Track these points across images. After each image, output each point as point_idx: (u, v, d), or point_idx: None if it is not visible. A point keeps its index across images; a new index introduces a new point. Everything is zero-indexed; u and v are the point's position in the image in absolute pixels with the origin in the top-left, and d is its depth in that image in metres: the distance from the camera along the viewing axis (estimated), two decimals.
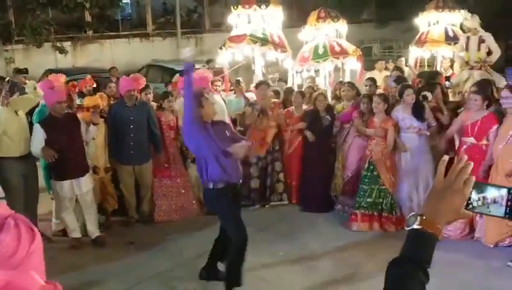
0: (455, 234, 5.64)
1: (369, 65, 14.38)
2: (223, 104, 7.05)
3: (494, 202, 1.21)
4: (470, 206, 1.23)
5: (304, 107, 7.17)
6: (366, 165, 6.18)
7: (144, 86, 6.73)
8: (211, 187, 4.38)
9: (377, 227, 6.07)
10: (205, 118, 4.37)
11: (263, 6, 7.78)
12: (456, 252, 5.10)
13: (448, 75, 9.28)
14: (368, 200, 6.10)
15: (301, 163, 7.05)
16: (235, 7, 8.05)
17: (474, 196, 1.22)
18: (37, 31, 14.36)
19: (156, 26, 18.98)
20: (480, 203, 1.22)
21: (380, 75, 10.06)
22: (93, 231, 5.85)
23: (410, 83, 7.49)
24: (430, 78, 7.99)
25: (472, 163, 1.26)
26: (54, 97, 5.45)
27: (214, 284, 4.72)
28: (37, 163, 6.06)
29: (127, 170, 6.34)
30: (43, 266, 0.94)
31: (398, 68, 9.69)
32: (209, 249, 4.80)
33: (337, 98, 7.57)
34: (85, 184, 5.65)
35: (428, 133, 6.10)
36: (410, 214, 1.25)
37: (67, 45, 15.53)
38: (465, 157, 1.27)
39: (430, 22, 10.20)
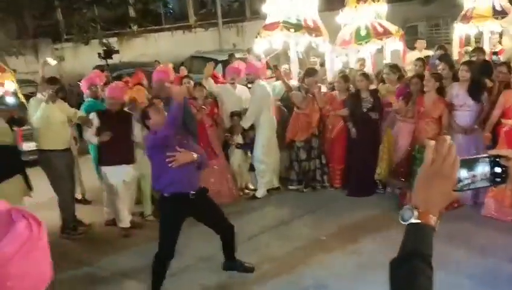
0: None
1: (414, 44, 14.00)
2: (239, 96, 7.10)
3: (483, 178, 1.18)
4: (459, 185, 1.19)
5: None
6: (416, 147, 6.10)
7: (169, 75, 6.81)
8: (163, 195, 4.38)
9: None
10: (155, 127, 4.35)
11: None
12: None
13: (496, 50, 8.91)
14: None
15: (345, 147, 7.02)
16: None
17: (465, 174, 1.18)
18: (84, 29, 14.87)
19: (198, 17, 19.17)
20: (469, 181, 1.19)
21: (421, 54, 9.76)
22: (127, 217, 6.17)
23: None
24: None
25: (454, 144, 1.20)
26: (111, 93, 6.01)
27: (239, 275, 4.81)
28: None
29: None
30: (49, 252, 1.01)
31: (442, 47, 9.37)
32: (242, 234, 4.89)
33: (381, 80, 7.43)
34: (128, 174, 6.03)
35: (476, 127, 5.95)
36: (404, 207, 1.20)
37: (113, 41, 15.94)
38: (448, 138, 1.23)
39: None
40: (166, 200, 4.36)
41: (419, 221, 1.17)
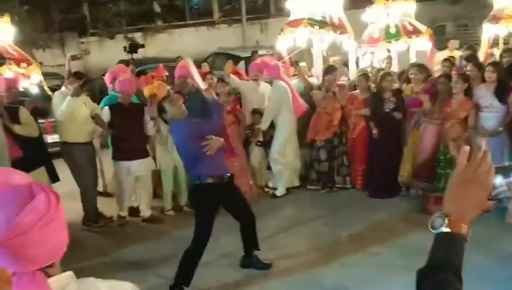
0: None
1: (442, 45, 13.75)
2: (263, 93, 7.07)
3: None
4: (494, 193, 1.14)
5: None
6: (441, 148, 5.99)
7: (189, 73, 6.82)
8: (200, 183, 4.44)
9: None
10: (178, 116, 4.46)
11: None
12: None
13: None
14: (444, 184, 5.91)
15: (367, 147, 6.94)
16: None
17: (500, 181, 1.13)
18: (109, 24, 15.04)
19: (222, 13, 19.18)
20: (504, 188, 1.13)
21: (453, 54, 9.56)
22: (146, 211, 6.41)
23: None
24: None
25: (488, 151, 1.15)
26: (121, 87, 6.07)
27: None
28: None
29: None
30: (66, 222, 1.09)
31: (470, 47, 9.16)
32: (261, 232, 4.88)
33: (407, 80, 7.29)
34: (141, 168, 6.15)
35: (501, 129, 5.81)
36: (435, 215, 1.15)
37: (138, 35, 16.09)
38: (484, 144, 1.18)
39: None
40: (204, 188, 4.42)
41: (450, 230, 1.12)
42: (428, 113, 6.22)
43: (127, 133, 5.96)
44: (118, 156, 6.18)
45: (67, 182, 6.18)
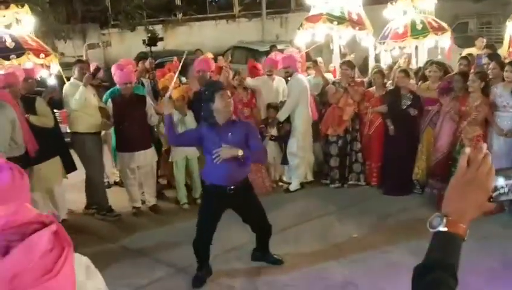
0: None
1: (464, 42, 13.53)
2: (276, 88, 7.07)
3: None
4: (495, 194, 1.14)
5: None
6: (457, 148, 5.94)
7: (210, 67, 6.85)
8: (205, 183, 4.52)
9: None
10: (215, 113, 4.31)
11: None
12: None
13: None
14: None
15: (383, 144, 6.90)
16: None
17: (502, 183, 1.14)
18: (130, 16, 15.17)
19: (242, 7, 19.17)
20: (506, 189, 1.14)
21: (481, 52, 9.40)
22: (150, 200, 6.54)
23: None
24: None
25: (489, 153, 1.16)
26: (121, 79, 6.06)
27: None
28: None
29: (201, 148, 6.58)
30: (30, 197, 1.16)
31: (489, 46, 9.01)
32: (273, 226, 4.87)
33: (422, 78, 7.22)
34: (144, 158, 6.24)
35: None
36: (434, 215, 1.18)
37: (158, 28, 16.18)
38: (484, 146, 1.18)
39: None
40: (206, 189, 4.54)
41: (447, 229, 1.14)
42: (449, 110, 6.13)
43: (128, 124, 6.04)
44: (121, 147, 6.27)
45: (76, 173, 6.31)
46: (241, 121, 4.68)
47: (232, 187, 4.34)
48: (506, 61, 6.79)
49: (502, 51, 9.22)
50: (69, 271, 1.00)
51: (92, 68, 6.28)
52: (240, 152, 4.16)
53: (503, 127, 5.76)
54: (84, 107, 5.97)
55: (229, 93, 4.52)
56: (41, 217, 1.01)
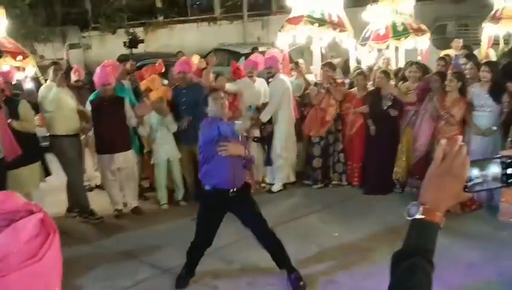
0: None
1: (442, 43, 13.76)
2: (258, 89, 7.06)
3: (495, 178, 1.18)
4: (470, 184, 1.19)
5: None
6: (436, 147, 6.03)
7: (191, 68, 6.86)
8: (204, 187, 4.36)
9: None
10: (216, 114, 4.29)
11: None
12: None
13: None
14: None
15: (364, 145, 6.99)
16: None
17: (476, 173, 1.18)
18: (111, 18, 15.08)
19: (224, 9, 19.20)
20: (480, 180, 1.18)
21: (458, 53, 9.56)
22: (132, 202, 6.50)
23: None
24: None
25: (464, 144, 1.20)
26: (100, 80, 6.05)
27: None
28: None
29: (183, 149, 6.60)
30: None
31: (466, 47, 9.20)
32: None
33: (401, 79, 7.34)
34: (124, 160, 6.20)
35: (495, 128, 5.84)
36: (411, 203, 1.21)
37: (139, 30, 16.12)
38: (460, 138, 1.23)
39: None
40: (206, 194, 4.36)
41: (423, 217, 1.18)
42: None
43: (107, 126, 6.01)
44: (100, 149, 6.23)
45: (57, 175, 6.27)
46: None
47: (234, 190, 4.24)
48: (483, 61, 6.95)
49: (480, 52, 9.42)
50: (54, 256, 1.03)
51: (74, 70, 6.24)
52: (247, 151, 4.18)
53: (480, 126, 5.89)
54: (59, 108, 5.92)
55: (222, 94, 4.51)
56: (29, 206, 1.04)
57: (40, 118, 5.92)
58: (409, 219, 1.20)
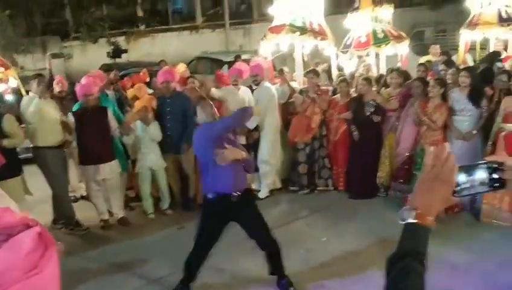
0: None
1: (421, 50, 14.01)
2: (242, 97, 7.07)
3: (482, 183, 1.25)
4: (458, 189, 1.25)
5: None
6: (418, 151, 6.17)
7: (174, 77, 6.87)
8: (206, 196, 4.27)
9: None
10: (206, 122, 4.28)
11: None
12: None
13: (501, 58, 8.93)
14: None
15: (348, 150, 7.09)
16: None
17: (463, 179, 1.25)
18: (92, 28, 15.02)
19: (205, 18, 19.26)
20: (468, 185, 1.25)
21: (434, 59, 9.78)
22: (117, 212, 6.45)
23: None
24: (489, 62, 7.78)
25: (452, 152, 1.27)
26: (81, 91, 6.03)
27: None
28: None
29: (168, 158, 6.62)
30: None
31: (445, 53, 9.41)
32: (242, 234, 4.72)
33: (383, 85, 7.47)
34: (110, 171, 6.17)
35: (475, 132, 5.99)
36: (403, 208, 1.28)
37: (121, 39, 16.08)
38: (448, 145, 1.31)
39: (483, 3, 9.80)
40: (209, 203, 4.24)
41: (416, 221, 1.25)
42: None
43: (91, 137, 5.98)
44: (83, 161, 6.20)
45: (40, 187, 6.21)
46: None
47: (236, 194, 4.16)
48: (461, 67, 7.12)
49: (458, 58, 9.63)
50: (53, 269, 1.06)
51: (57, 80, 6.20)
52: (244, 154, 4.10)
53: (461, 130, 6.02)
54: (42, 120, 5.86)
55: (210, 102, 4.53)
56: (26, 220, 1.06)
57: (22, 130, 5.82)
58: (402, 222, 1.27)
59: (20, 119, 6.08)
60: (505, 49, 9.45)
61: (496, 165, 1.25)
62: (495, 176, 1.25)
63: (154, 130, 6.39)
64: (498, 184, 1.25)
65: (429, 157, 1.29)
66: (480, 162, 1.27)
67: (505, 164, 1.26)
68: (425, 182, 1.28)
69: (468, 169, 1.26)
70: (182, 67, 7.81)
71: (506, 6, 9.50)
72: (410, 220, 1.25)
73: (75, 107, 6.31)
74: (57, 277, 1.07)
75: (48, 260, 1.04)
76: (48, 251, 1.05)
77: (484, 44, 10.34)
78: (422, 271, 1.22)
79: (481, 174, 1.25)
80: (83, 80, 6.11)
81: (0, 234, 1.01)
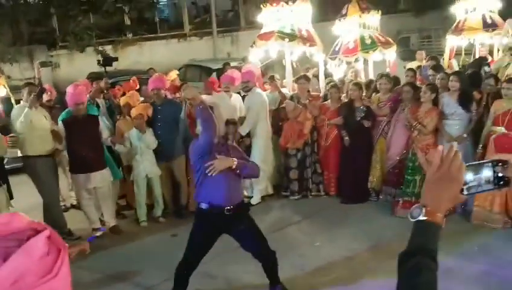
0: None
1: (406, 55, 14.20)
2: (234, 104, 7.10)
3: (488, 181, 1.29)
4: (466, 187, 1.29)
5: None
6: (410, 156, 6.23)
7: (164, 84, 6.90)
8: (199, 206, 4.19)
9: None
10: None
11: (290, 2, 7.81)
12: None
13: (488, 62, 9.10)
14: (412, 190, 6.16)
15: (339, 155, 7.13)
16: (264, 5, 8.14)
17: (471, 177, 1.29)
18: (79, 37, 14.97)
19: (193, 26, 19.30)
20: (475, 183, 1.29)
21: (421, 65, 9.91)
22: (109, 220, 6.40)
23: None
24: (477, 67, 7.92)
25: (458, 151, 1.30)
26: (72, 99, 5.97)
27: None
28: None
29: (160, 166, 6.59)
30: None
31: (433, 58, 9.55)
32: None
33: (374, 90, 7.55)
34: (101, 179, 6.14)
35: (465, 135, 6.07)
36: (414, 206, 1.31)
37: (108, 48, 16.03)
38: (455, 144, 1.34)
39: (468, 9, 9.98)
40: (202, 214, 4.17)
41: (426, 218, 1.27)
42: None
43: (81, 145, 5.95)
44: (74, 169, 6.17)
45: (30, 196, 6.16)
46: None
47: (230, 208, 4.07)
48: (448, 72, 7.22)
49: (444, 63, 9.77)
50: (67, 272, 1.06)
51: (47, 89, 6.15)
52: (235, 161, 4.01)
53: (452, 134, 6.09)
54: (31, 129, 5.81)
55: (211, 112, 4.48)
56: (33, 225, 1.06)
57: (5, 139, 5.68)
58: (413, 220, 1.29)
59: (6, 129, 6.01)
60: (490, 54, 9.62)
61: (501, 164, 1.28)
62: (500, 174, 1.28)
63: (150, 138, 6.38)
64: (503, 182, 1.29)
65: (437, 156, 1.31)
66: (486, 160, 1.31)
67: (510, 162, 1.30)
68: (434, 180, 1.31)
69: (475, 167, 1.30)
70: (173, 75, 7.81)
71: (491, 11, 9.69)
72: (421, 218, 1.28)
73: (62, 116, 6.24)
74: (69, 280, 1.07)
75: (62, 263, 1.04)
76: (60, 253, 1.05)
77: (469, 49, 10.52)
78: (434, 267, 1.25)
79: (487, 173, 1.29)
80: (70, 89, 6.04)
81: (11, 239, 1.01)
